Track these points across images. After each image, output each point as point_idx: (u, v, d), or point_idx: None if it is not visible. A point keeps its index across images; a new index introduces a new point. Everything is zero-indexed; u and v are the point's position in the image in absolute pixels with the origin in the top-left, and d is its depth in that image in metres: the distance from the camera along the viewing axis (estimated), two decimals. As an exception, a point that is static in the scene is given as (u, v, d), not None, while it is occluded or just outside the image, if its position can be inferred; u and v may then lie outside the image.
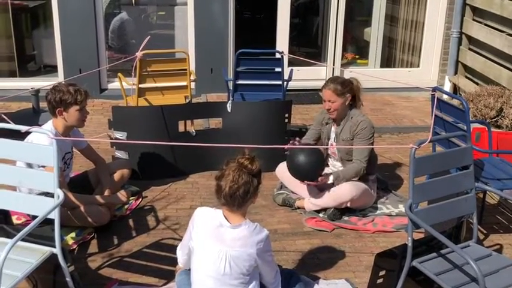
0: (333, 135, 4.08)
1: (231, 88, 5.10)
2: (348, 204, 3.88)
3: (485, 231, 3.77)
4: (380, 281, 2.95)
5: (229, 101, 4.72)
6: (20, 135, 2.94)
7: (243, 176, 2.48)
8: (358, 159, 3.88)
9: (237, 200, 2.49)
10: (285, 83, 5.10)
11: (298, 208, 4.05)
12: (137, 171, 4.37)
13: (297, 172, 3.90)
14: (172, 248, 3.49)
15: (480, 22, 6.03)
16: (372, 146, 3.85)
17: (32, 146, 2.74)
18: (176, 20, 6.95)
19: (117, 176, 3.97)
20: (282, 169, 4.17)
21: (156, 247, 3.53)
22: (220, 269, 2.49)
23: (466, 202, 2.86)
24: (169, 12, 7.04)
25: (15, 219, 3.58)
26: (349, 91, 3.93)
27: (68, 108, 3.49)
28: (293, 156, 3.87)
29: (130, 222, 3.82)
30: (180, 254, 2.78)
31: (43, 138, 3.12)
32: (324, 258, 3.46)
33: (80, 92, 3.52)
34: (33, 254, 2.62)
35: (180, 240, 3.57)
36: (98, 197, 3.69)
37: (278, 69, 5.05)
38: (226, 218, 2.54)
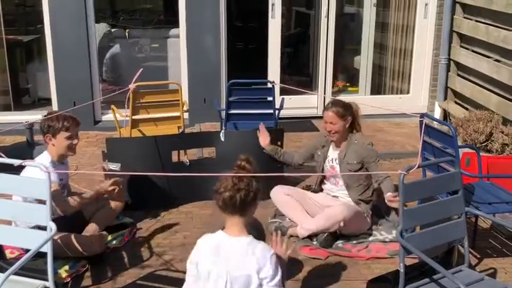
0: (332, 157, 4.12)
1: (224, 117, 5.15)
2: (341, 225, 3.87)
3: (478, 256, 3.77)
4: (374, 307, 2.96)
5: (222, 130, 4.77)
6: (14, 169, 2.96)
7: (242, 179, 2.45)
8: (384, 177, 3.87)
9: (238, 204, 2.43)
10: (277, 111, 5.16)
11: (291, 236, 4.04)
12: (131, 202, 4.37)
13: None
14: (166, 280, 3.50)
15: (467, 48, 6.14)
16: (363, 173, 3.89)
17: (25, 180, 2.77)
18: (169, 52, 7.06)
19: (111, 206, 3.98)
20: (277, 192, 4.19)
21: (150, 279, 3.52)
22: None
23: (456, 227, 2.89)
24: (162, 45, 7.16)
25: (8, 253, 3.56)
26: (350, 114, 4.03)
27: (56, 134, 3.55)
28: None
29: (124, 254, 3.81)
30: None
31: (38, 171, 3.12)
32: (318, 286, 3.45)
33: (68, 119, 3.56)
34: (26, 288, 2.62)
35: (175, 271, 3.60)
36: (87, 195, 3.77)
37: (270, 98, 5.12)
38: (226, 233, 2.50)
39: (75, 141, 3.64)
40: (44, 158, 3.58)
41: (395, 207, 3.72)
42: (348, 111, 4.04)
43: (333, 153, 4.14)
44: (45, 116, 3.62)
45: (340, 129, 4.02)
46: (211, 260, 2.46)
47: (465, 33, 6.12)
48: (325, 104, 4.15)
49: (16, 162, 2.66)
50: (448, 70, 6.50)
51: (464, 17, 6.17)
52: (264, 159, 4.56)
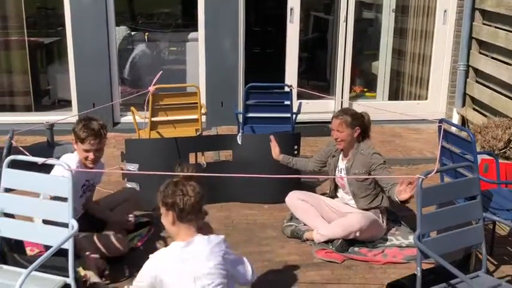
0: (341, 167, 4.12)
1: (241, 121, 5.18)
2: (357, 234, 3.88)
3: (495, 262, 3.75)
4: (390, 311, 2.95)
5: (240, 134, 4.80)
6: (34, 168, 3.01)
7: (191, 184, 2.56)
8: (391, 185, 3.78)
9: (199, 209, 2.55)
10: (294, 115, 5.18)
11: (307, 240, 4.06)
12: (148, 203, 4.41)
13: None
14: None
15: (486, 55, 6.11)
16: (381, 176, 3.86)
17: (47, 177, 2.82)
18: (188, 55, 7.11)
19: (125, 205, 4.04)
20: (292, 198, 4.21)
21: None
22: None
23: (474, 232, 2.88)
24: (181, 48, 7.22)
25: (28, 251, 3.62)
26: (359, 124, 3.99)
27: (76, 141, 3.52)
28: None
29: (142, 253, 3.84)
30: None
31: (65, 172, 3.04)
32: (334, 290, 3.47)
33: (87, 130, 3.45)
34: (47, 284, 2.66)
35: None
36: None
37: (287, 102, 5.14)
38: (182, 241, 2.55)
39: (90, 156, 3.52)
40: (72, 157, 3.56)
41: (406, 201, 3.56)
42: (356, 121, 3.97)
43: (341, 163, 4.13)
44: (79, 119, 3.57)
45: (347, 138, 3.97)
46: (178, 268, 2.48)
47: (484, 40, 6.09)
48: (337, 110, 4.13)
49: (39, 160, 2.71)
50: (466, 76, 6.46)
51: (484, 24, 6.14)
52: (278, 163, 4.54)
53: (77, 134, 3.49)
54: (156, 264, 2.53)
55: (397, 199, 3.57)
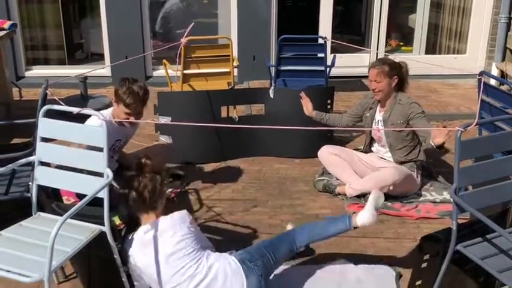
0: (378, 118, 4.04)
1: (274, 74, 5.12)
2: (391, 188, 3.84)
3: (533, 220, 3.67)
4: (424, 265, 2.92)
5: (272, 87, 4.74)
6: (69, 119, 3.03)
7: (145, 176, 2.67)
8: (429, 134, 3.59)
9: (147, 200, 2.66)
10: (328, 69, 5.08)
11: (339, 194, 4.04)
12: (180, 155, 4.45)
13: None
14: (216, 231, 3.57)
15: (531, 6, 5.86)
16: (419, 128, 3.75)
17: (82, 127, 2.83)
18: (219, 8, 7.01)
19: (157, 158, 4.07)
20: (325, 152, 4.17)
21: (201, 230, 3.57)
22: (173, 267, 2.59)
23: (512, 187, 2.80)
24: (212, 1, 7.12)
25: (65, 200, 3.70)
26: (397, 74, 3.89)
27: (118, 103, 3.48)
28: None
29: (175, 206, 3.89)
30: None
31: (98, 122, 2.92)
32: (366, 243, 3.45)
33: (134, 96, 3.39)
34: (83, 231, 2.71)
35: (225, 223, 3.66)
36: None
37: (321, 55, 5.04)
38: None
39: (131, 119, 3.48)
40: (106, 113, 3.55)
41: (441, 146, 3.30)
42: (394, 71, 3.88)
43: (378, 115, 4.04)
44: (123, 79, 3.50)
45: (385, 88, 3.88)
46: (144, 252, 2.62)
47: (529, -10, 5.83)
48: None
49: (74, 110, 2.72)
50: (507, 30, 6.23)
51: (529, -27, 5.86)
52: (310, 118, 4.48)
53: (121, 98, 3.43)
54: (127, 248, 2.68)
55: (432, 144, 3.47)
